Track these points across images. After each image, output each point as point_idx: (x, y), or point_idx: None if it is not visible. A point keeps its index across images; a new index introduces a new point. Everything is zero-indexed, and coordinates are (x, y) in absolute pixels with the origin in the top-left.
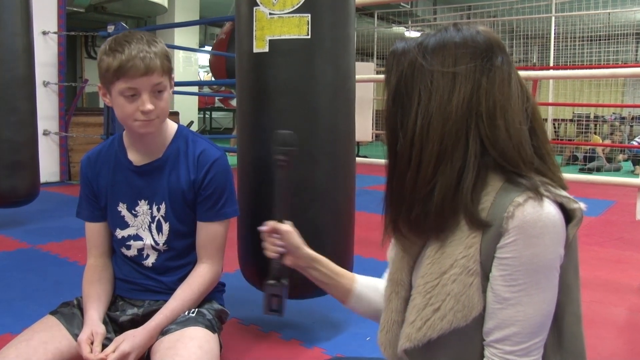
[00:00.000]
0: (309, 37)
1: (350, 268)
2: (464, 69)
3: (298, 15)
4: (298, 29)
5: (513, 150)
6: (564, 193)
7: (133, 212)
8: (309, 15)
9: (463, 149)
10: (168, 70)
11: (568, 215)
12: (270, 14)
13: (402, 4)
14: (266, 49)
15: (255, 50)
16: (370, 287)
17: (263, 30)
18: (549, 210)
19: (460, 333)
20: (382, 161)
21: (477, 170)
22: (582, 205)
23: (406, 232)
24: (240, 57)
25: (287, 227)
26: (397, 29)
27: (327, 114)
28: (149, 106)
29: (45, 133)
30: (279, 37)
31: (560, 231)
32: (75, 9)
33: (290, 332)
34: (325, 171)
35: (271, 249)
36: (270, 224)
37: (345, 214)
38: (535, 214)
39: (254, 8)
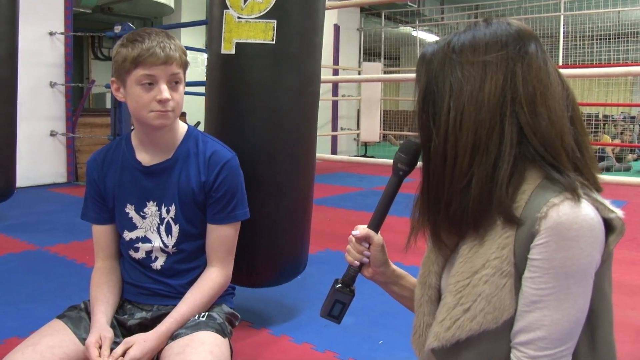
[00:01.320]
0: (274, 42)
1: (304, 264)
2: (495, 57)
3: (264, 20)
4: (264, 34)
5: (555, 138)
6: (600, 199)
7: (141, 213)
8: (275, 21)
9: (498, 138)
10: (185, 65)
11: (607, 223)
12: (238, 17)
13: (409, 3)
14: (233, 51)
15: (222, 51)
16: None
17: (231, 32)
18: (587, 212)
19: (489, 335)
20: (390, 161)
21: (512, 160)
22: (620, 213)
23: (445, 231)
24: (210, 57)
25: (380, 239)
26: (405, 29)
27: (289, 116)
28: (166, 95)
29: (52, 134)
30: (245, 41)
31: (598, 235)
32: (81, 10)
33: (302, 335)
34: (285, 171)
35: (355, 256)
36: (363, 231)
37: (301, 213)
38: (571, 215)
39: (224, 11)
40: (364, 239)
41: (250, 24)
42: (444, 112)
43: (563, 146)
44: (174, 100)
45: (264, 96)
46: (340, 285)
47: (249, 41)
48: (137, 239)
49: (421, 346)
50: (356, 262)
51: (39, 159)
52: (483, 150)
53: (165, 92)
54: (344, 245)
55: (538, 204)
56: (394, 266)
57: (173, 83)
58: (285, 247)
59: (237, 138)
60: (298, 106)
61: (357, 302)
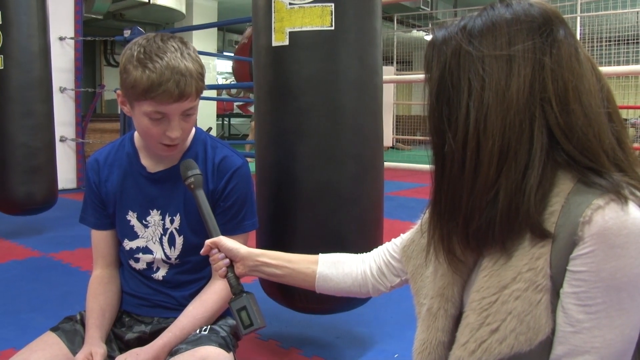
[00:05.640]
0: (333, 28)
1: None
2: (521, 48)
3: (320, 4)
4: (321, 19)
5: (593, 139)
6: None
7: (144, 222)
8: (332, 4)
9: (528, 143)
10: (200, 91)
11: None
12: (290, 4)
13: (421, 7)
14: (286, 42)
15: (274, 43)
16: (332, 265)
17: (282, 21)
18: (636, 215)
19: (522, 359)
20: (404, 165)
21: (542, 167)
22: None
23: (462, 249)
24: (257, 52)
25: (220, 237)
26: (417, 33)
27: (353, 113)
28: (177, 133)
29: (62, 139)
30: (300, 29)
31: None
32: (93, 16)
33: (312, 349)
34: (351, 175)
35: (217, 267)
36: (205, 246)
37: (372, 222)
38: (619, 220)
39: None
40: (209, 250)
41: (305, 10)
42: (461, 113)
43: (603, 148)
44: (184, 132)
45: (324, 91)
46: (231, 299)
47: (304, 29)
48: (138, 249)
49: None
50: (222, 269)
51: None
52: (512, 157)
53: (176, 130)
54: None
55: (578, 208)
56: (249, 248)
57: (185, 115)
58: None
59: (295, 141)
60: (362, 101)
61: (370, 312)
